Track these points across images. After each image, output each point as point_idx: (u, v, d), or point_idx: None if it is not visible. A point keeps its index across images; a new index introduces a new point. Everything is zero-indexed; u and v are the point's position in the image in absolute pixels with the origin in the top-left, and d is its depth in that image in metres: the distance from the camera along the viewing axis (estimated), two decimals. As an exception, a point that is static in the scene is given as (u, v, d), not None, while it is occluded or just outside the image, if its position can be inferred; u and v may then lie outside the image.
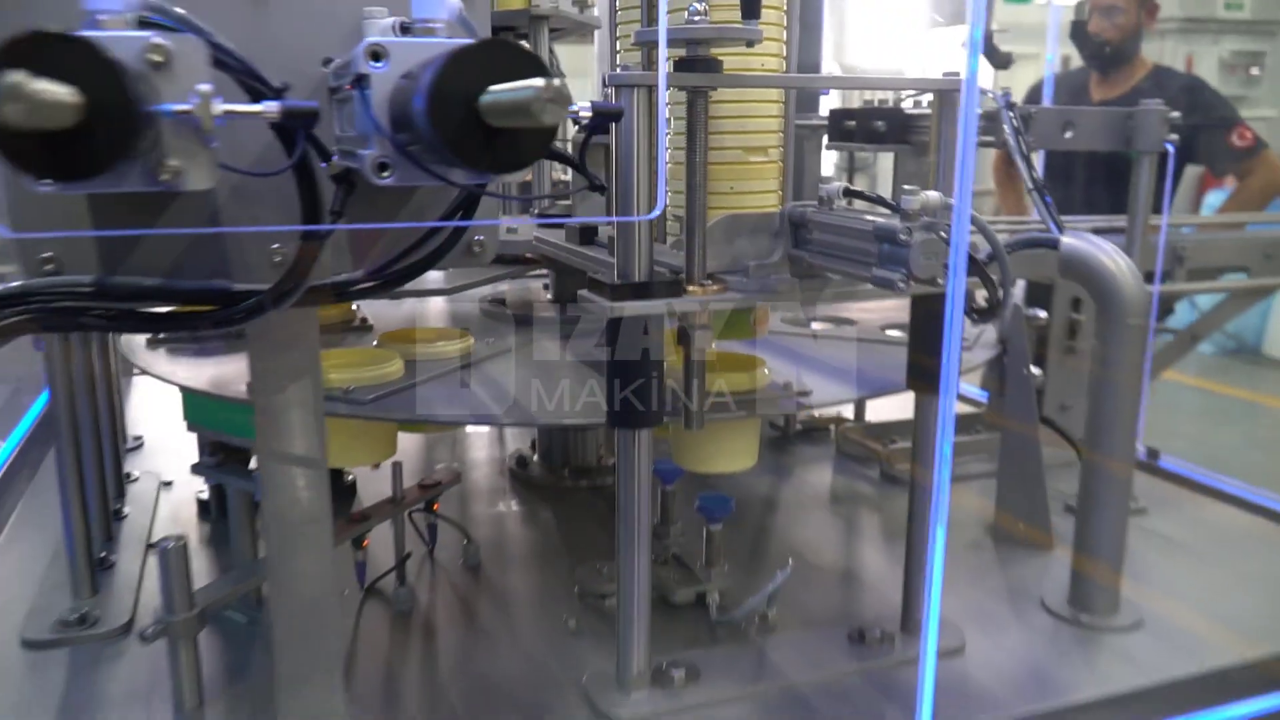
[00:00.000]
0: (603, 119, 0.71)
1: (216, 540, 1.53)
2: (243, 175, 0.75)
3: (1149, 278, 1.50)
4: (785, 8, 1.16)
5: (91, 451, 1.38)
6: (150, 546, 1.45)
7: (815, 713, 1.09)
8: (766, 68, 1.13)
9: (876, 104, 1.63)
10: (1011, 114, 1.41)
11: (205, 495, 1.61)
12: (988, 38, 1.94)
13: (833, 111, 1.68)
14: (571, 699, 1.11)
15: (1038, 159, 1.52)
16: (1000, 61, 2.01)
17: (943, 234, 0.88)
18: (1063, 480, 1.59)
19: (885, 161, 1.76)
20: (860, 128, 1.59)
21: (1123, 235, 1.56)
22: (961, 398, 2.08)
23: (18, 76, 0.49)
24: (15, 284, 0.79)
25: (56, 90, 0.50)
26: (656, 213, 0.95)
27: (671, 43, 0.98)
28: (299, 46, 0.86)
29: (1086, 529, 1.29)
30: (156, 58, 0.61)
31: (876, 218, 0.94)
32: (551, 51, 1.67)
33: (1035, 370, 1.53)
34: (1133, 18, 2.67)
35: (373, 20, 0.85)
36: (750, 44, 0.98)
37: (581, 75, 2.18)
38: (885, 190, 1.45)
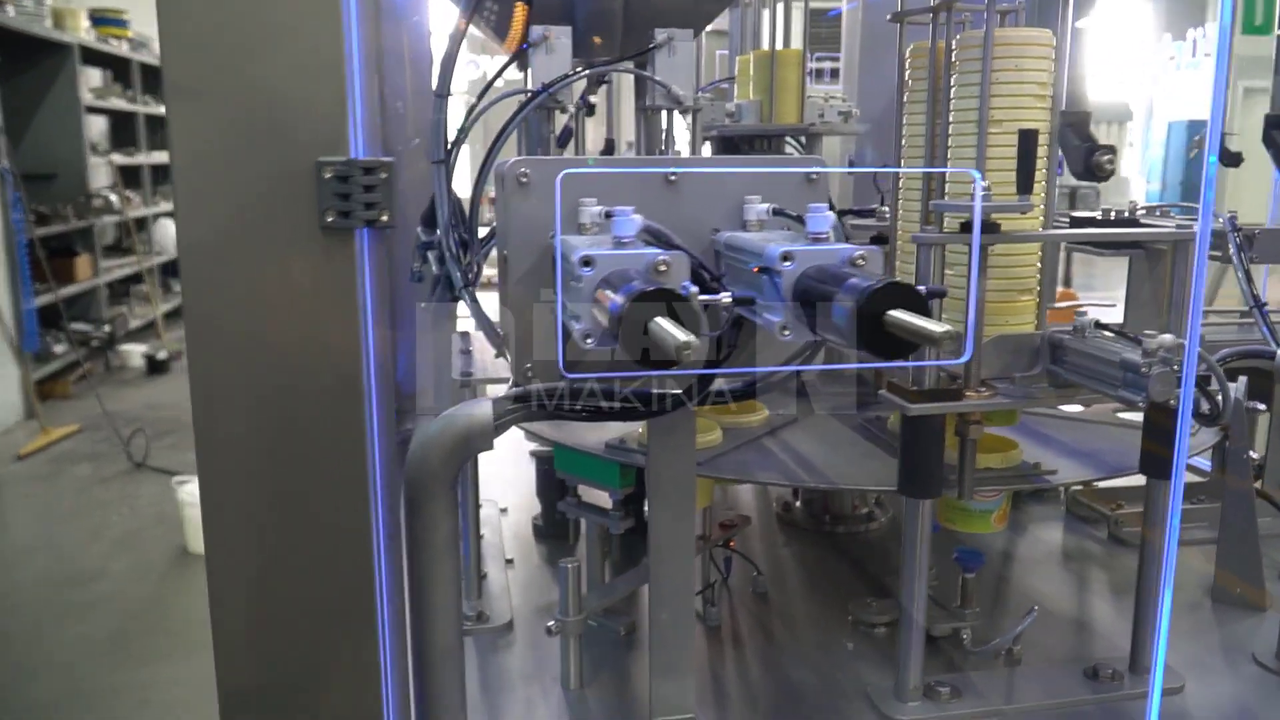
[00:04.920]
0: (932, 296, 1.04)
1: (551, 556, 1.94)
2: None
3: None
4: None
5: (470, 485, 1.81)
6: (509, 562, 1.88)
7: (1057, 731, 1.37)
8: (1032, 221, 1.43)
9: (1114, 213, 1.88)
10: (1236, 234, 1.65)
11: (539, 521, 2.03)
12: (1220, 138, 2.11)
13: (1072, 218, 1.94)
14: (856, 705, 1.43)
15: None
16: (1231, 161, 2.19)
17: (1175, 368, 1.16)
18: (1275, 549, 1.80)
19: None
20: (1097, 233, 1.85)
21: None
22: (1189, 467, 2.27)
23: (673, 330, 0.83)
24: (519, 389, 1.20)
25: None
26: (967, 357, 1.26)
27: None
28: (697, 219, 1.24)
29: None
30: (662, 268, 0.99)
31: (1121, 347, 1.23)
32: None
33: (1253, 454, 1.74)
34: None
35: (751, 204, 1.22)
36: (1022, 213, 1.30)
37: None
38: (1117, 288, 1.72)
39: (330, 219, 0.91)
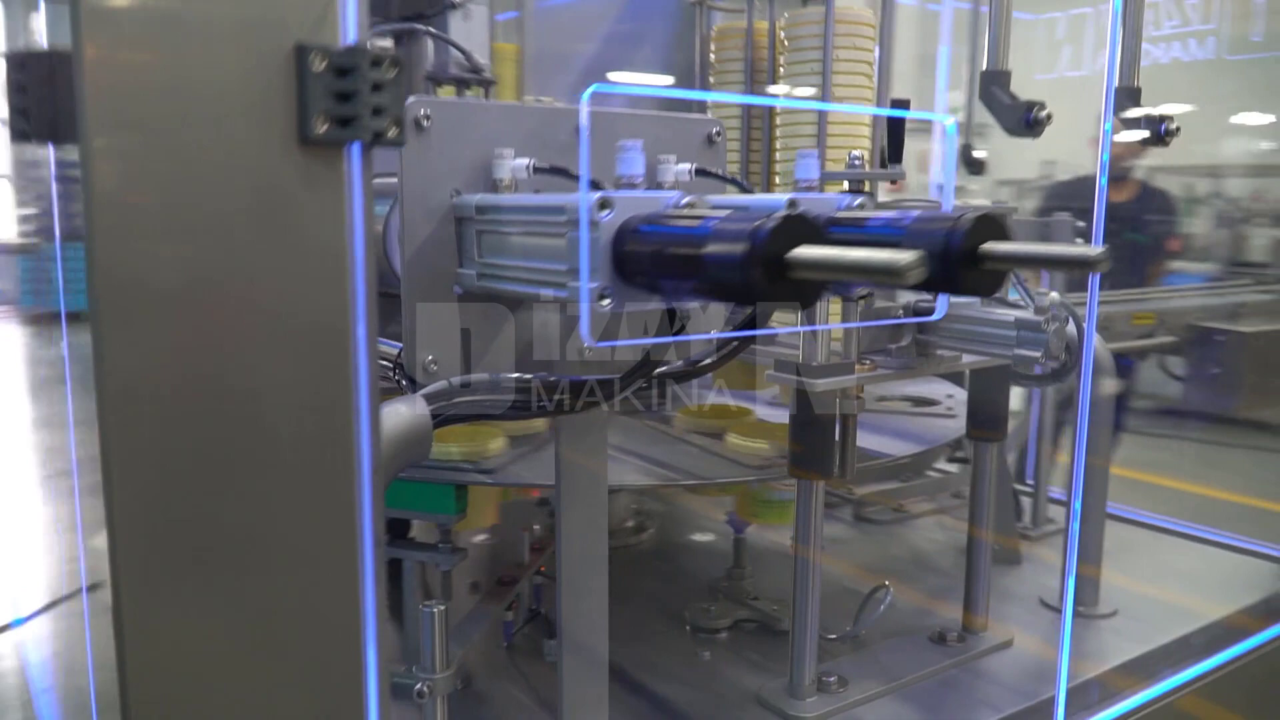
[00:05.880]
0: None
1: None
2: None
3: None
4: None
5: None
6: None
7: (940, 698, 1.38)
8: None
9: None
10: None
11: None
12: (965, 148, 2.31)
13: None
14: (750, 710, 1.34)
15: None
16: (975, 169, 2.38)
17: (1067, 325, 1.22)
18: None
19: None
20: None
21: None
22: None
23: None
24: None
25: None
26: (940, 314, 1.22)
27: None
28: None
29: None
30: (690, 208, 0.84)
31: (1001, 309, 1.27)
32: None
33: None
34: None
35: (668, 165, 1.10)
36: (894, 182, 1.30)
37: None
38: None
39: (323, 128, 0.64)
